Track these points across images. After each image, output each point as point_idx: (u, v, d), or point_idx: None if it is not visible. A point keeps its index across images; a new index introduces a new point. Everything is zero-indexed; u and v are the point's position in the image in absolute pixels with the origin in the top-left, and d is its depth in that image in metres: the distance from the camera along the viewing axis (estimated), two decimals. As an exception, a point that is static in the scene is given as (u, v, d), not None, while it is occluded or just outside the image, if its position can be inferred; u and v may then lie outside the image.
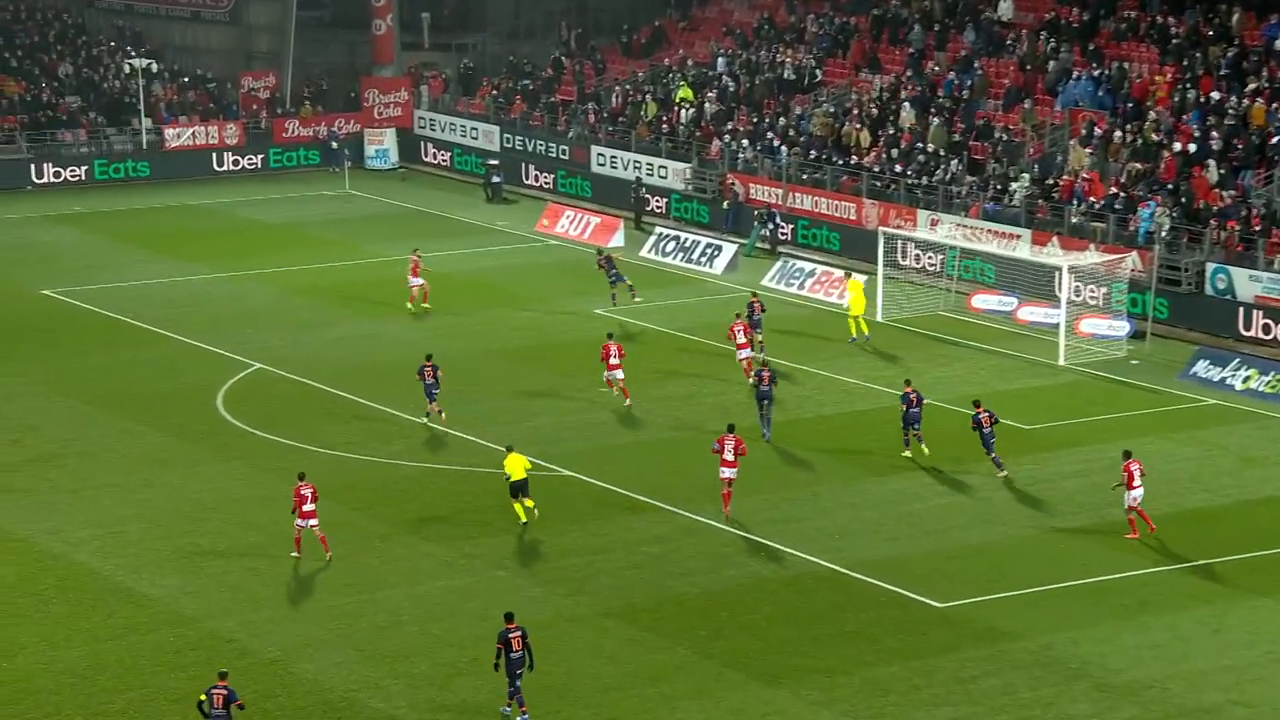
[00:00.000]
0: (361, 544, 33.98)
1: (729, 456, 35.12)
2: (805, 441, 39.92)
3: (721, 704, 27.76)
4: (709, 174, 63.18)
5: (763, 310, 46.06)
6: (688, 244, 57.67)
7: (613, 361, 41.90)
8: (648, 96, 67.95)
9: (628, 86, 69.75)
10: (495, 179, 66.92)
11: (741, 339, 43.47)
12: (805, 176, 60.69)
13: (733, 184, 61.61)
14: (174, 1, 77.90)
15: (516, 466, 34.86)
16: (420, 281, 50.48)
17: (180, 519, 35.03)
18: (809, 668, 28.91)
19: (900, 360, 46.19)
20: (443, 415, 40.23)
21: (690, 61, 69.24)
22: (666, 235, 58.65)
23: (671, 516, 35.45)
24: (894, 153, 58.92)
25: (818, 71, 65.47)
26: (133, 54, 73.07)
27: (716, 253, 56.70)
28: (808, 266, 54.39)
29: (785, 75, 65.66)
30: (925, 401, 38.88)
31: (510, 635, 27.21)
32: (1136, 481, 34.27)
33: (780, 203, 60.08)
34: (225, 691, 25.80)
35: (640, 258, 57.74)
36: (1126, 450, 35.12)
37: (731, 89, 66.16)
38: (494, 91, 73.07)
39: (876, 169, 58.90)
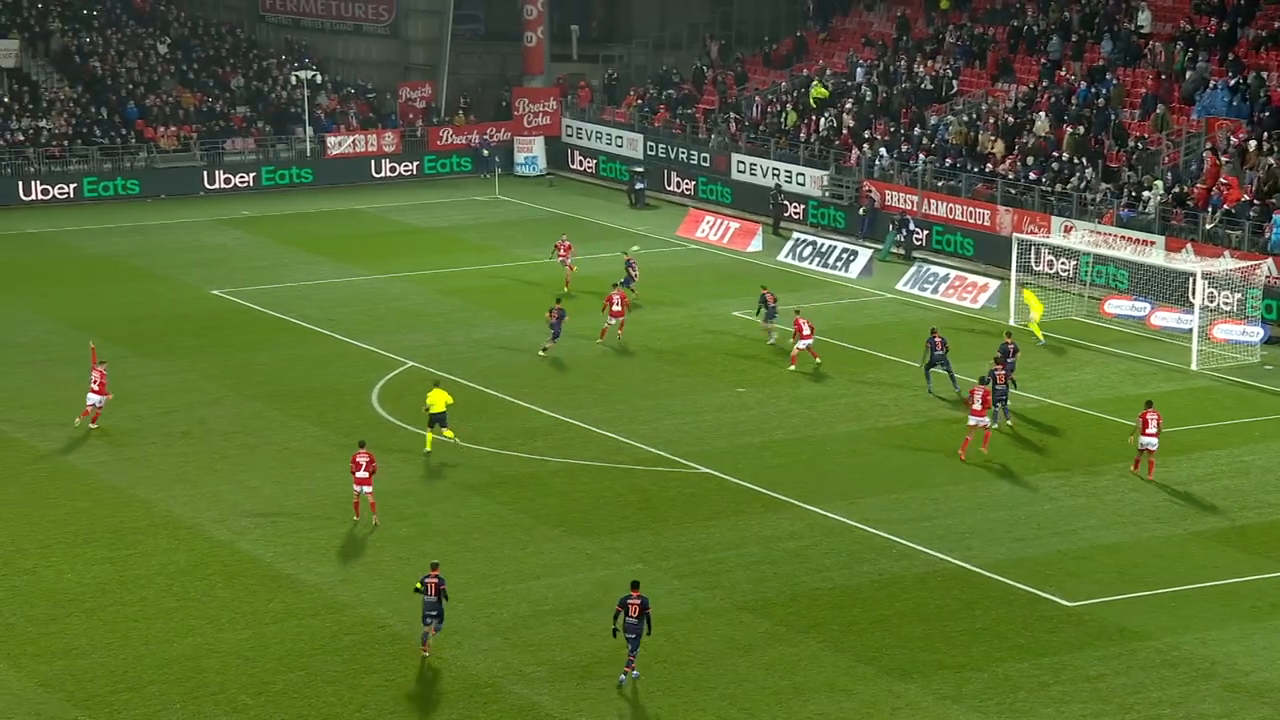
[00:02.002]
0: (507, 536, 34.24)
1: (977, 406, 38.03)
2: (935, 443, 39.56)
3: (853, 696, 27.62)
4: (846, 181, 62.88)
5: (775, 301, 47.00)
6: (824, 249, 57.43)
7: (615, 309, 46.07)
8: (788, 105, 67.77)
9: (768, 96, 69.62)
10: (639, 185, 67.12)
11: (805, 330, 44.55)
12: (940, 184, 60.19)
13: (869, 191, 61.26)
14: (338, 16, 79.16)
15: (438, 400, 37.71)
16: (569, 262, 52.78)
17: (336, 511, 35.50)
18: (939, 663, 28.67)
19: (1032, 365, 45.58)
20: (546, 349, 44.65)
21: (829, 71, 68.94)
22: (803, 240, 58.45)
23: (807, 514, 35.32)
24: (1029, 160, 58.24)
25: (954, 82, 64.89)
26: (299, 66, 74.34)
27: (852, 258, 56.40)
28: (941, 272, 53.93)
29: (922, 85, 65.15)
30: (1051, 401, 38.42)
31: (629, 601, 27.92)
32: (1151, 429, 36.40)
33: (915, 209, 59.63)
34: (437, 579, 28.75)
35: (778, 262, 57.61)
36: (1149, 400, 37.46)
37: (869, 99, 65.79)
38: (638, 101, 73.29)
39: (1011, 176, 58.27)
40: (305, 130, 71.73)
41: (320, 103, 73.53)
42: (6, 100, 69.90)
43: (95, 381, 39.84)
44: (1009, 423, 40.18)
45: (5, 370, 45.22)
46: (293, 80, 73.59)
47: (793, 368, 44.37)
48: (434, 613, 28.80)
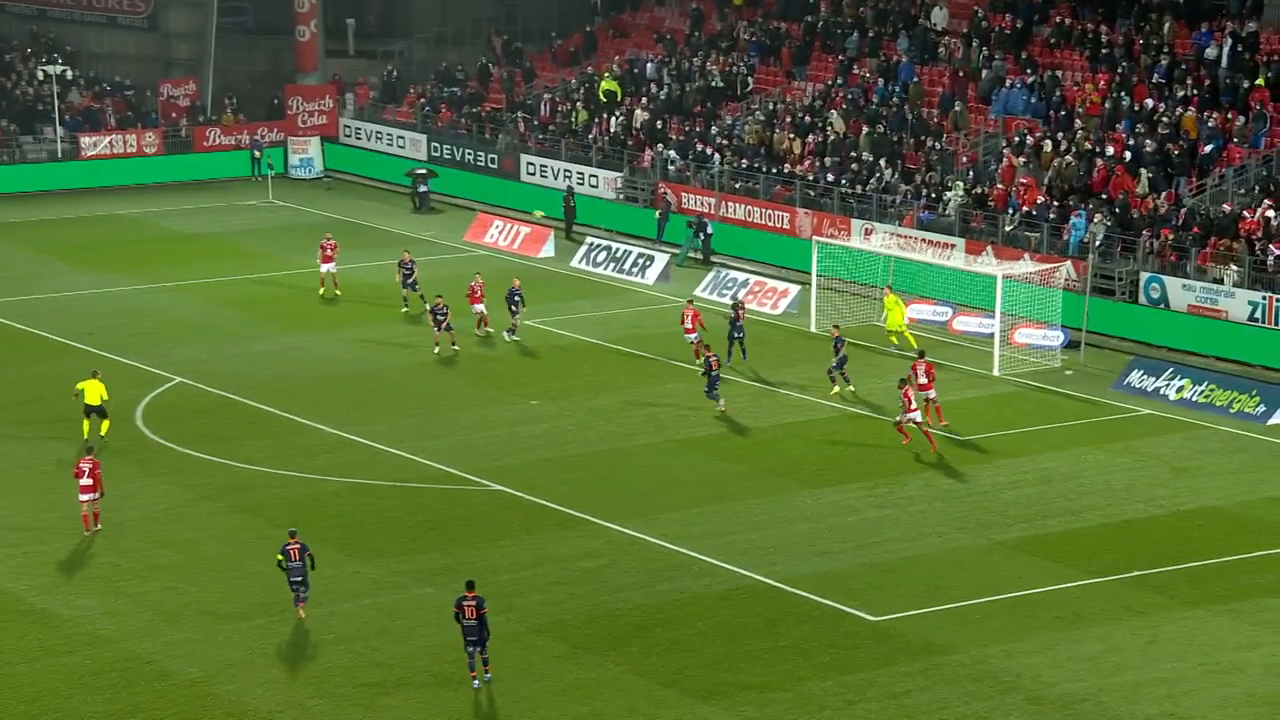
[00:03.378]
0: (285, 561, 33.78)
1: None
2: (737, 454, 40.03)
3: (653, 721, 27.81)
4: (640, 183, 63.33)
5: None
6: (619, 254, 57.76)
7: (477, 294, 48.16)
8: (578, 104, 68.04)
9: (558, 94, 69.83)
10: (423, 188, 66.82)
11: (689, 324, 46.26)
12: (738, 185, 60.93)
13: (665, 193, 61.78)
14: (88, 7, 77.25)
15: (93, 393, 39.47)
16: (332, 268, 53.05)
17: (97, 537, 34.71)
18: (743, 683, 28.98)
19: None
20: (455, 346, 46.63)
21: (618, 70, 69.37)
22: (598, 245, 58.73)
23: (604, 531, 35.47)
24: (827, 161, 59.25)
25: (749, 79, 65.76)
26: (46, 61, 72.48)
27: (649, 263, 56.81)
28: (741, 276, 54.59)
29: (714, 83, 65.90)
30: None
31: (464, 603, 28.51)
32: (922, 379, 40.36)
33: (712, 212, 60.27)
34: (299, 545, 30.64)
35: (571, 268, 57.79)
36: (922, 351, 42.10)
37: (663, 97, 66.37)
38: (421, 99, 72.97)
39: (810, 177, 59.21)
40: (55, 130, 69.95)
41: (72, 100, 71.79)
42: None
43: None
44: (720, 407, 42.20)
45: None
46: (39, 75, 71.71)
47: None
48: (299, 578, 30.61)
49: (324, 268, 53.18)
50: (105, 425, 39.70)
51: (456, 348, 47.16)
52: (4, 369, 45.86)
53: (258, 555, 33.82)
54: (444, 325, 46.73)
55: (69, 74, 71.96)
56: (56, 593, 32.27)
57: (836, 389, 43.91)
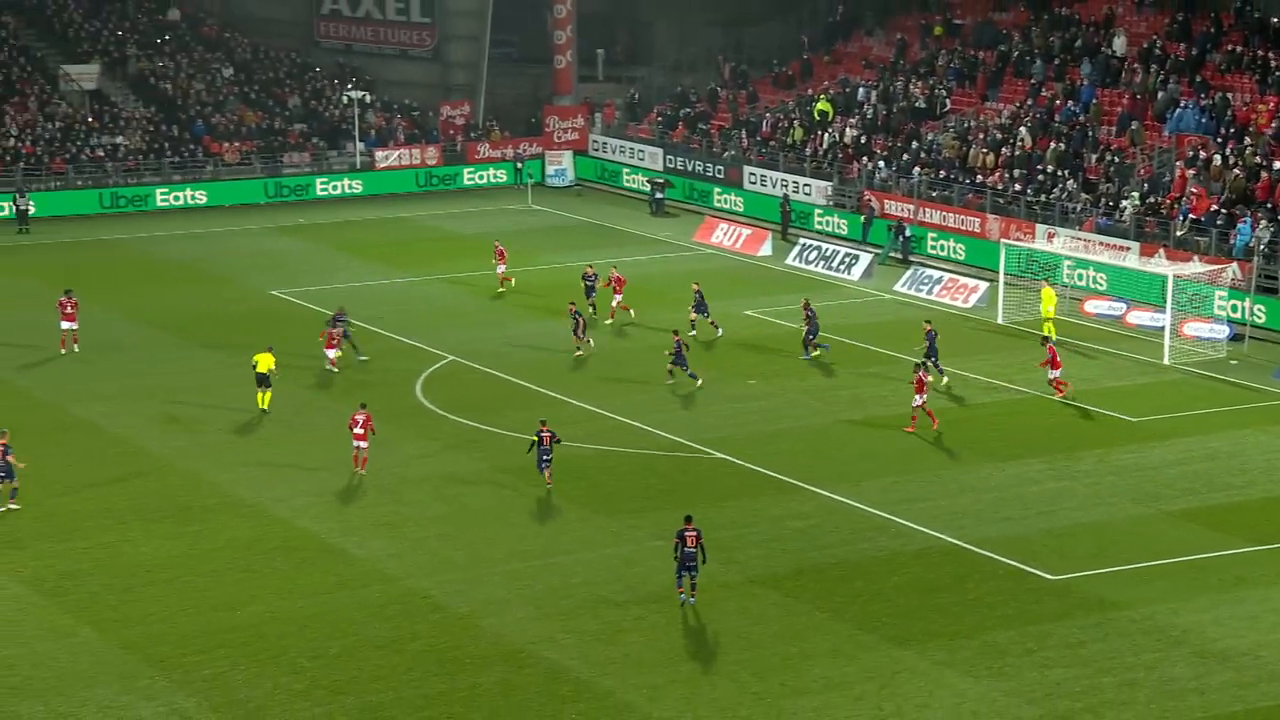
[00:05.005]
0: (538, 515, 34.29)
1: None
2: (930, 431, 39.51)
3: (855, 662, 27.63)
4: (848, 191, 62.79)
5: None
6: (828, 253, 57.35)
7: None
8: (794, 122, 67.70)
9: (777, 113, 69.56)
10: (659, 195, 67.09)
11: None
12: (934, 194, 60.08)
13: (869, 200, 61.18)
14: (386, 41, 79.18)
15: (265, 364, 39.76)
16: (503, 269, 53.12)
17: (383, 491, 35.59)
18: (934, 631, 28.65)
19: (1018, 359, 45.51)
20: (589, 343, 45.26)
21: (832, 91, 68.82)
22: (809, 245, 58.38)
23: (813, 496, 35.30)
24: (1015, 173, 58.12)
25: (946, 100, 64.75)
26: (350, 87, 74.47)
27: (854, 261, 56.32)
28: (935, 274, 53.85)
29: (917, 104, 65.03)
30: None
31: (686, 533, 29.21)
32: (1058, 359, 39.97)
33: (911, 216, 59.53)
34: (550, 433, 34.17)
35: (786, 265, 57.56)
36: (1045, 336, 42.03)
37: (870, 116, 65.69)
38: (659, 118, 73.26)
39: (999, 187, 58.18)
40: (355, 145, 71.82)
41: (369, 120, 73.63)
42: (89, 119, 70.12)
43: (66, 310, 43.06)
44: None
45: (88, 361, 45.33)
46: (344, 100, 73.69)
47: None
48: (547, 457, 34.56)
49: (500, 269, 53.35)
50: (269, 397, 39.75)
51: (705, 331, 46.70)
52: (313, 346, 47.14)
53: (518, 508, 34.39)
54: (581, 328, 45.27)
55: (367, 98, 73.78)
56: (351, 536, 33.15)
57: (945, 380, 42.11)
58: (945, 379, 42.24)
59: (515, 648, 28.18)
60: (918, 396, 38.63)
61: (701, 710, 26.13)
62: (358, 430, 35.94)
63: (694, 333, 46.68)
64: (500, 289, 53.08)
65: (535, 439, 34.76)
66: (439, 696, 26.51)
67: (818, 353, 44.54)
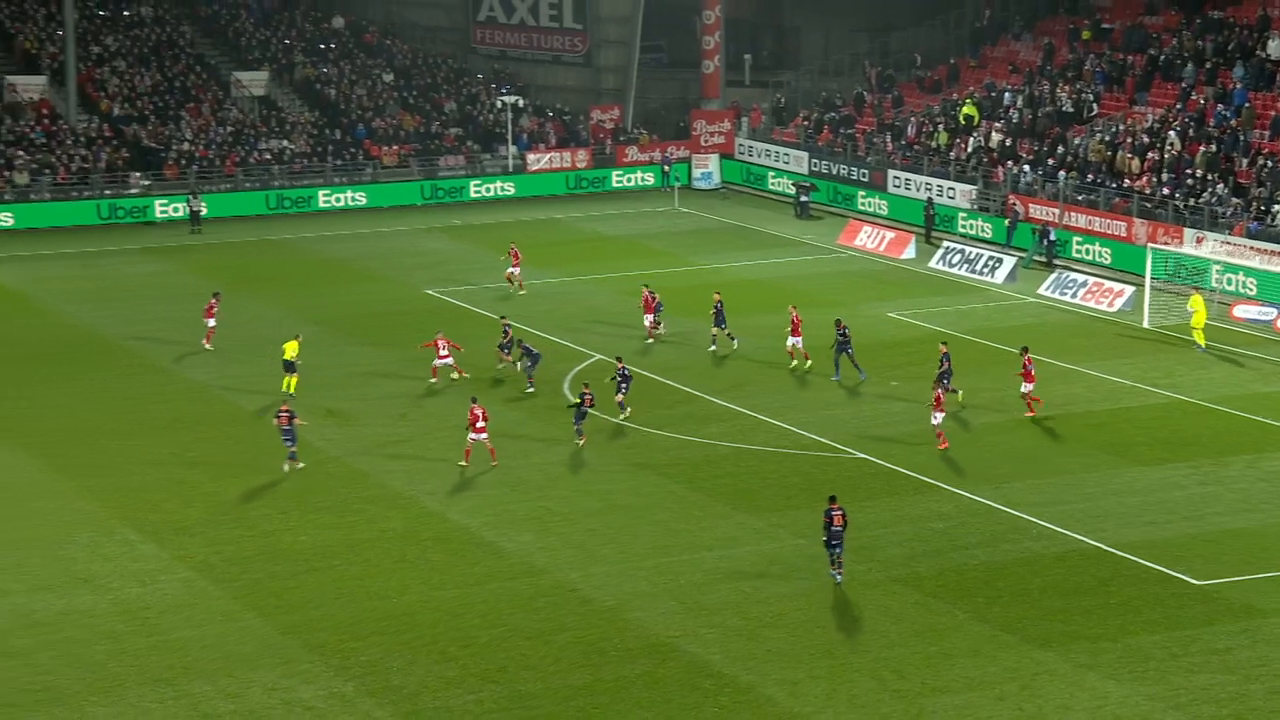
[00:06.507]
0: (683, 512, 34.31)
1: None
2: (1074, 433, 38.80)
3: (996, 662, 27.22)
4: (993, 195, 61.87)
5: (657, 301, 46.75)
6: (972, 256, 56.56)
7: (652, 307, 46.11)
8: (939, 126, 66.88)
9: (922, 118, 68.79)
10: (804, 198, 66.74)
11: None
12: (1080, 198, 58.94)
13: (1014, 204, 60.20)
14: (539, 47, 79.89)
15: (290, 351, 41.26)
16: (517, 271, 53.31)
17: (532, 486, 35.88)
18: (1076, 634, 28.12)
19: (1164, 363, 44.48)
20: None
21: (977, 95, 67.86)
22: (953, 248, 57.63)
23: (954, 497, 34.86)
24: (1163, 177, 56.78)
25: (1094, 104, 63.48)
26: (504, 92, 75.21)
27: (998, 264, 55.47)
28: (1080, 278, 52.83)
29: (1064, 108, 63.85)
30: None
31: (833, 512, 29.95)
32: (1032, 372, 38.80)
33: (1056, 220, 58.47)
34: (592, 395, 36.44)
35: (929, 268, 56.90)
36: (1025, 346, 39.96)
37: (1016, 120, 64.66)
38: (804, 122, 72.87)
39: (1147, 191, 56.88)
40: (509, 148, 72.54)
41: (522, 124, 74.32)
42: (257, 124, 71.78)
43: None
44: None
45: (252, 355, 46.38)
46: (498, 104, 74.47)
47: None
48: (581, 421, 36.62)
49: (513, 270, 53.36)
50: (295, 381, 41.17)
51: (723, 345, 45.51)
52: (466, 343, 47.64)
53: (661, 506, 34.43)
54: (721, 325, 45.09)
55: (520, 102, 74.50)
56: (502, 529, 33.46)
57: (960, 395, 40.51)
58: (960, 394, 40.66)
59: (659, 641, 28.23)
60: (936, 414, 37.35)
61: (841, 706, 25.94)
62: (479, 424, 36.28)
63: (714, 348, 45.48)
64: (512, 288, 52.91)
65: (578, 400, 37.15)
66: (585, 687, 26.65)
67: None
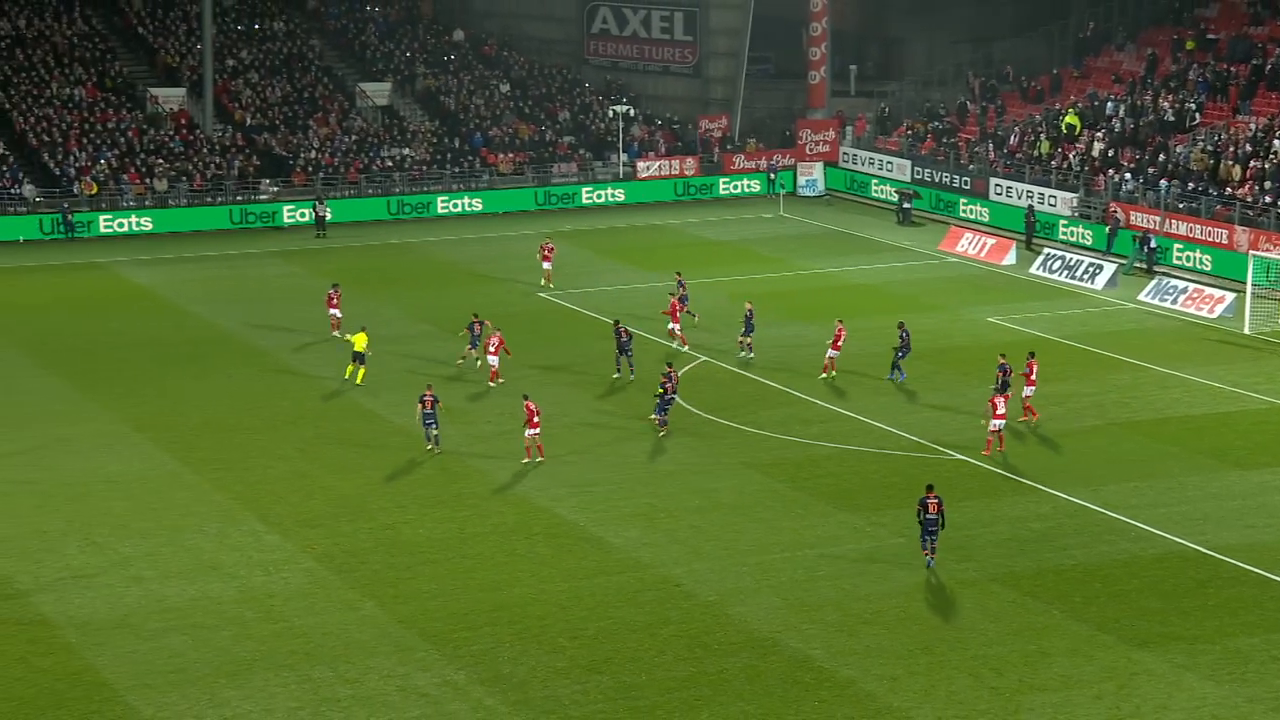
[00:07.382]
0: (785, 510, 34.22)
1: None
2: (1173, 437, 38.11)
3: (1093, 661, 26.83)
4: (1094, 203, 60.93)
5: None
6: (1072, 263, 55.78)
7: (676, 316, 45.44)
8: (1041, 135, 66.01)
9: (1025, 127, 67.93)
10: (906, 205, 66.23)
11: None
12: (1181, 206, 57.85)
13: (1115, 211, 59.25)
14: (650, 59, 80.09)
15: (359, 343, 42.11)
16: (549, 267, 53.86)
17: (639, 483, 35.99)
18: (1174, 635, 27.65)
19: (1265, 369, 43.51)
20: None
21: (1079, 105, 66.89)
22: (1054, 255, 56.86)
23: (1052, 498, 34.42)
24: (1266, 185, 55.54)
25: (1196, 114, 62.28)
26: (616, 102, 75.54)
27: (1098, 271, 54.64)
28: (1180, 284, 51.86)
29: (1166, 117, 62.70)
30: None
31: (928, 501, 30.32)
32: (1034, 377, 38.29)
33: (1157, 228, 57.43)
34: (673, 382, 37.15)
35: (1029, 274, 56.19)
36: (1031, 351, 39.29)
37: (1118, 129, 63.63)
38: (908, 131, 72.32)
39: (1249, 199, 55.70)
40: (620, 156, 72.80)
41: (633, 133, 74.54)
42: (379, 132, 72.79)
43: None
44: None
45: (377, 358, 47.00)
46: (610, 114, 74.78)
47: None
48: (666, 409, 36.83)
49: (545, 265, 54.22)
50: (362, 372, 42.01)
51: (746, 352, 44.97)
52: (575, 345, 48.02)
53: (764, 504, 34.38)
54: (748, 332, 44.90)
55: (631, 112, 74.72)
56: (608, 525, 33.60)
57: (1026, 418, 39.25)
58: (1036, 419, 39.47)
59: (761, 635, 28.20)
60: (995, 421, 36.71)
61: (940, 702, 25.73)
62: (535, 420, 36.58)
63: (744, 353, 45.11)
64: (544, 284, 53.92)
65: (661, 390, 38.22)
66: (689, 679, 26.69)
67: (898, 377, 42.33)
